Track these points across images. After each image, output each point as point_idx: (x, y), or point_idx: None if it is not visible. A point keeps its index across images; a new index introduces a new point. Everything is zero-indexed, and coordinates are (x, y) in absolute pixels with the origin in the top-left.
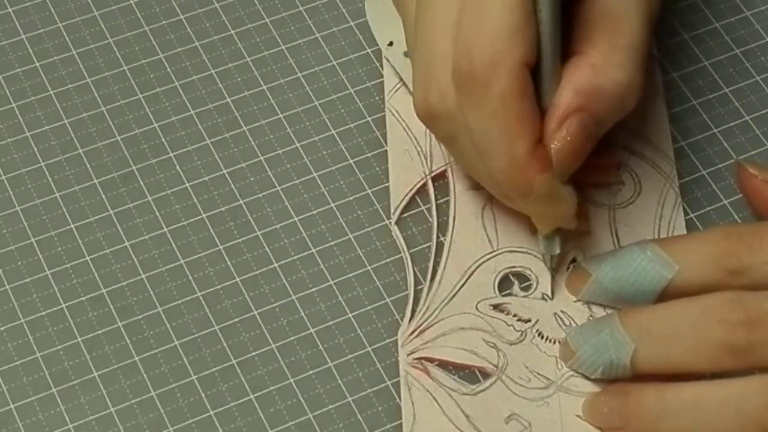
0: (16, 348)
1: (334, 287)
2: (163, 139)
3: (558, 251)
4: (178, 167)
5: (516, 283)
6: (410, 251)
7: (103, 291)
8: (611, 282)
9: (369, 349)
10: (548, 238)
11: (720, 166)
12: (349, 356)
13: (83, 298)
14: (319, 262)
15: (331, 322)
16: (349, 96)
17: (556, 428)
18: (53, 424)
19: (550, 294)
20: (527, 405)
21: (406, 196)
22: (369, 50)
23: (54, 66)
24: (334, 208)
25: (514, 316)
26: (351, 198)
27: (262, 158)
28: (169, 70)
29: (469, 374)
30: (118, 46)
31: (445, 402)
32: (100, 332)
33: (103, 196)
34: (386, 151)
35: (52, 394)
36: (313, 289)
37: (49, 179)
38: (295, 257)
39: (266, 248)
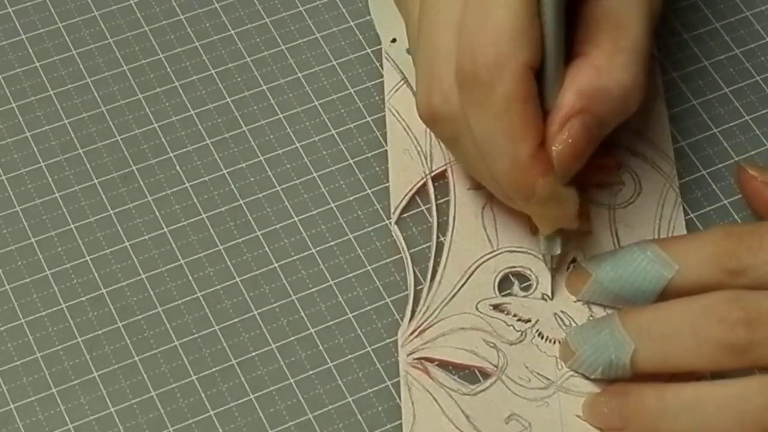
0: (16, 348)
1: (334, 287)
2: (163, 139)
3: (559, 251)
4: (178, 167)
5: (516, 283)
6: (410, 251)
7: (103, 291)
8: (611, 282)
9: (369, 349)
10: (549, 238)
11: (720, 166)
12: (349, 356)
13: (83, 298)
14: (319, 263)
15: (331, 322)
16: (349, 96)
17: (556, 428)
18: (53, 424)
19: (550, 294)
20: (527, 405)
21: (406, 196)
22: (369, 50)
23: (54, 66)
24: (334, 208)
25: (514, 316)
26: (351, 198)
27: (262, 158)
28: (169, 70)
29: (469, 374)
30: (118, 46)
31: (445, 402)
32: (100, 332)
33: (103, 196)
34: (386, 151)
35: (52, 394)
36: (313, 289)
37: (49, 179)
38: (295, 257)
39: (266, 248)
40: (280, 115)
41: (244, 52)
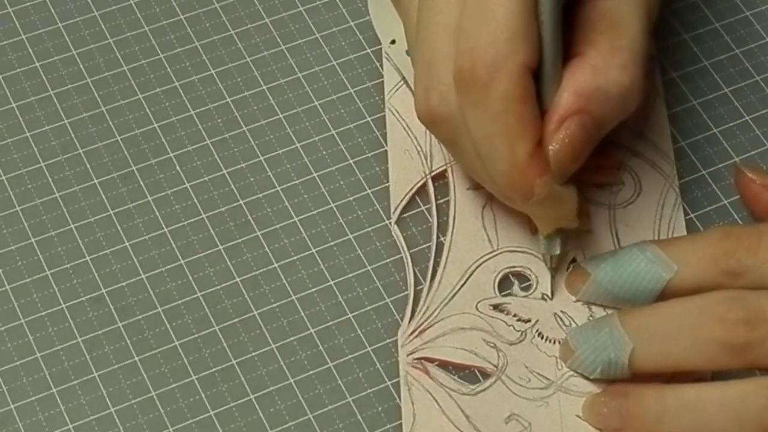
0: (16, 348)
1: (334, 287)
2: (163, 139)
3: (558, 251)
4: (178, 167)
5: (516, 283)
6: (410, 251)
7: (103, 291)
8: (610, 282)
9: (369, 349)
10: (549, 238)
11: (720, 166)
12: (349, 356)
13: (83, 298)
14: (319, 263)
15: (331, 323)
16: (349, 96)
17: (555, 428)
18: (53, 424)
19: (550, 294)
20: (527, 405)
21: (406, 195)
22: (369, 50)
23: (54, 66)
24: (334, 209)
25: (514, 316)
26: (351, 198)
27: (262, 158)
28: (169, 70)
29: (469, 374)
30: (118, 46)
31: (445, 402)
32: (100, 332)
33: (103, 196)
34: (386, 151)
35: (52, 394)
36: (313, 290)
37: (49, 179)
38: (295, 257)
39: (266, 248)
40: (280, 115)
41: (244, 52)
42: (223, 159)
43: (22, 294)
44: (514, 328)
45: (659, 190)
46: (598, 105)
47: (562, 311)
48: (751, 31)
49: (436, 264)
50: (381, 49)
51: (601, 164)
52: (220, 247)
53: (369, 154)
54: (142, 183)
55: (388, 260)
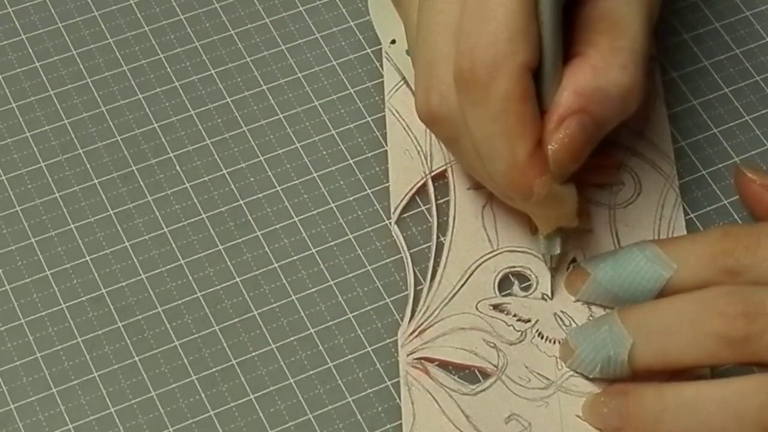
0: (16, 348)
1: (334, 287)
2: (163, 139)
3: (559, 251)
4: (178, 167)
5: (516, 283)
6: (410, 251)
7: (103, 291)
8: (609, 282)
9: (369, 349)
10: (549, 237)
11: (720, 166)
12: (349, 356)
13: (83, 298)
14: (319, 263)
15: (331, 323)
16: (349, 96)
17: (555, 428)
18: (53, 424)
19: (550, 294)
20: (527, 405)
21: (406, 195)
22: (369, 50)
23: (54, 66)
24: (334, 209)
25: (514, 316)
26: (351, 198)
27: (262, 158)
28: (169, 70)
29: (469, 374)
30: (118, 46)
31: (445, 402)
32: (100, 332)
33: (103, 196)
34: (386, 151)
35: (52, 394)
36: (313, 290)
37: (49, 179)
38: (295, 257)
39: (266, 248)
40: (280, 115)
41: (244, 52)
42: (223, 159)
43: (22, 294)
44: (514, 328)
45: (659, 190)
46: (598, 105)
47: (562, 311)
48: (751, 31)
49: (436, 264)
50: (381, 49)
51: (601, 164)
52: (220, 247)
53: (369, 154)
54: (142, 183)
55: (388, 260)
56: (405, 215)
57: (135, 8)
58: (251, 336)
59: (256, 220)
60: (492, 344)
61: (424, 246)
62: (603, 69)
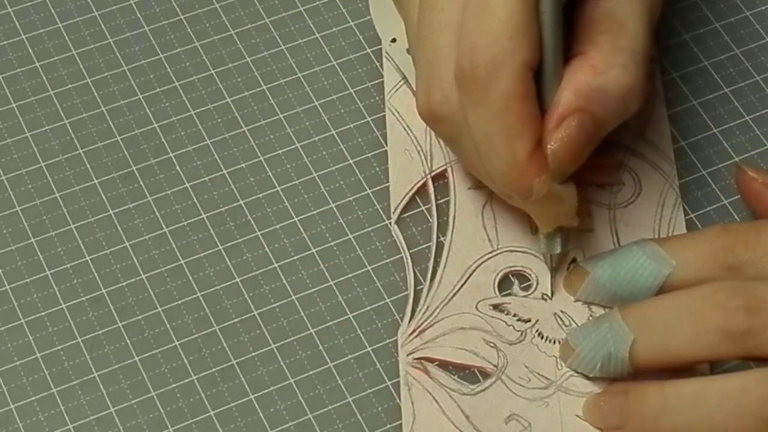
0: (16, 348)
1: (334, 287)
2: (163, 139)
3: (559, 250)
4: (178, 167)
5: (516, 283)
6: (410, 251)
7: (103, 291)
8: (609, 280)
9: (369, 349)
10: (549, 237)
11: (720, 166)
12: (349, 356)
13: (83, 298)
14: (319, 263)
15: (331, 323)
16: (349, 96)
17: (555, 428)
18: (53, 424)
19: (550, 294)
20: (527, 405)
21: (406, 195)
22: (369, 50)
23: (54, 66)
24: (334, 209)
25: (514, 316)
26: (351, 198)
27: (262, 158)
28: (169, 70)
29: (469, 374)
30: (118, 46)
31: (445, 402)
32: (100, 332)
33: (103, 196)
34: (386, 151)
35: (52, 394)
36: (313, 290)
37: (49, 179)
38: (295, 257)
39: (266, 248)
40: (280, 115)
41: (244, 52)
42: (223, 159)
43: (22, 294)
44: (514, 328)
45: (659, 190)
46: (598, 105)
47: (562, 311)
48: (751, 31)
49: (436, 264)
50: (381, 49)
51: (601, 164)
52: (220, 247)
53: (369, 154)
54: (142, 183)
55: (388, 260)
56: (405, 215)
57: (135, 8)
58: (251, 336)
59: (256, 220)
60: (492, 344)
61: (424, 246)
62: (604, 69)
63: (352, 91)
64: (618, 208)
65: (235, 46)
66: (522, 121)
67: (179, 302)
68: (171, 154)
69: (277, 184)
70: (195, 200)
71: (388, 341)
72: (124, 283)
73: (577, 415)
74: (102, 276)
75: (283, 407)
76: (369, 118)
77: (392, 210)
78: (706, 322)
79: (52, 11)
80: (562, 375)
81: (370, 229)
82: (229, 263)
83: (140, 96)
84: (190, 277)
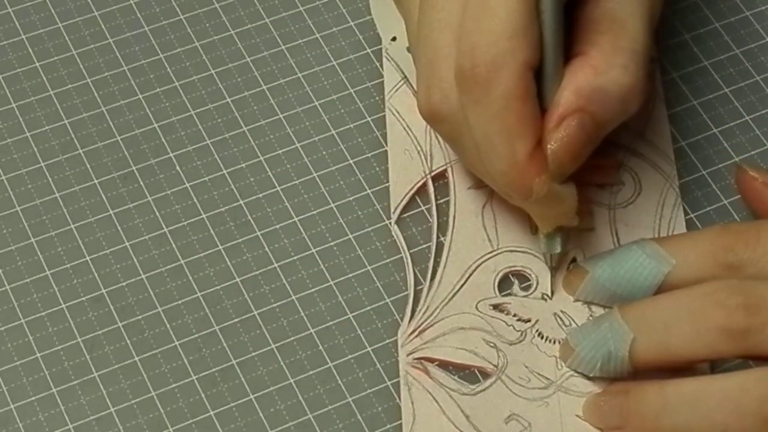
0: (16, 348)
1: (334, 287)
2: (163, 139)
3: (559, 250)
4: (178, 167)
5: (516, 283)
6: (410, 251)
7: (103, 291)
8: (608, 279)
9: (369, 349)
10: (549, 236)
11: (720, 166)
12: (349, 356)
13: (83, 298)
14: (319, 263)
15: (331, 323)
16: (349, 96)
17: (555, 428)
18: (53, 424)
19: (550, 294)
20: (527, 405)
21: (406, 195)
22: (369, 50)
23: (54, 66)
24: (334, 209)
25: (514, 316)
26: (351, 198)
27: (262, 158)
28: (169, 70)
29: (469, 374)
30: (118, 46)
31: (445, 402)
32: (100, 332)
33: (103, 196)
34: (386, 151)
35: (52, 394)
36: (313, 290)
37: (49, 179)
38: (295, 257)
39: (266, 248)
40: (280, 115)
41: (244, 52)
42: (223, 159)
43: (22, 294)
44: (514, 328)
45: (659, 190)
46: (599, 105)
47: (562, 311)
48: (751, 31)
49: (436, 264)
50: (381, 49)
51: (601, 164)
52: (220, 247)
53: (369, 154)
54: (142, 183)
55: (388, 260)
56: (405, 215)
57: (135, 8)
58: (251, 336)
59: (256, 220)
60: (492, 344)
61: (424, 246)
62: (604, 69)
63: (352, 91)
64: (618, 208)
65: (235, 46)
66: (522, 121)
67: (179, 302)
68: (171, 154)
69: (277, 184)
70: (195, 200)
71: (388, 341)
72: (124, 283)
73: (577, 415)
74: (102, 276)
75: (283, 407)
76: (369, 118)
77: (392, 210)
78: (706, 320)
79: (52, 11)
80: (562, 375)
81: (370, 229)
82: (229, 263)
83: (140, 96)
84: (190, 277)
